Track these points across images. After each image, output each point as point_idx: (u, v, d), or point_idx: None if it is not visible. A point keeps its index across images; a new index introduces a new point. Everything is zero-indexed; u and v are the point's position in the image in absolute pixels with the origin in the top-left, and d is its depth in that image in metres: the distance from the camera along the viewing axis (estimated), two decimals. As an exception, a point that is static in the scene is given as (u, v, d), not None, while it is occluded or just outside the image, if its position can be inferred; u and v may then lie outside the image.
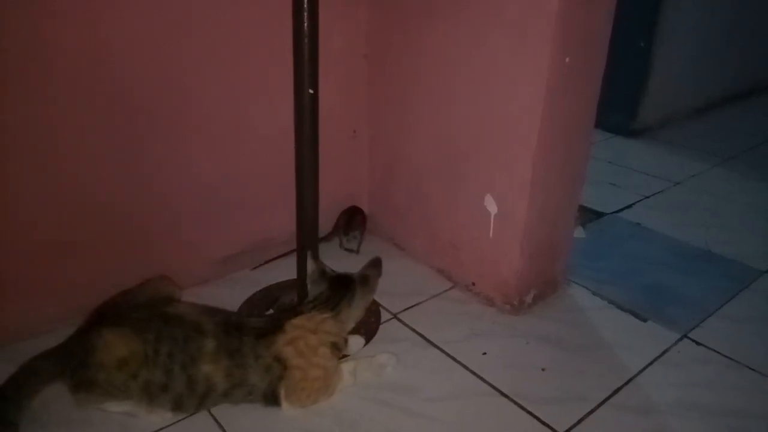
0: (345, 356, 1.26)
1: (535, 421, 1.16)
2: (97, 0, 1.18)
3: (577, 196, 1.56)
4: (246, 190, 1.55)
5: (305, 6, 1.14)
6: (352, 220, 1.70)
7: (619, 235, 1.93)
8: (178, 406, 1.08)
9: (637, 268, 1.73)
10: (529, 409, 1.18)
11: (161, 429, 1.09)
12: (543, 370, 1.29)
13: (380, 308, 1.47)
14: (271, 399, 1.12)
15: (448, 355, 1.32)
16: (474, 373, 1.27)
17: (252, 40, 1.42)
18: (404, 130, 1.64)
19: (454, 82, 1.44)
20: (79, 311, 1.14)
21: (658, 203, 2.18)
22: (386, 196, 1.78)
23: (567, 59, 1.25)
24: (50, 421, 1.09)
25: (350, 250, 1.72)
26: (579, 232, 1.87)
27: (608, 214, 2.06)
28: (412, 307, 1.49)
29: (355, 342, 1.31)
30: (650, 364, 1.33)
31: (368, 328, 1.38)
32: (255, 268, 1.61)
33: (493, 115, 1.38)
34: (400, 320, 1.44)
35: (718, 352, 1.37)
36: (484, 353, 1.33)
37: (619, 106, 2.80)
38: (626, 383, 1.27)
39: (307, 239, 1.37)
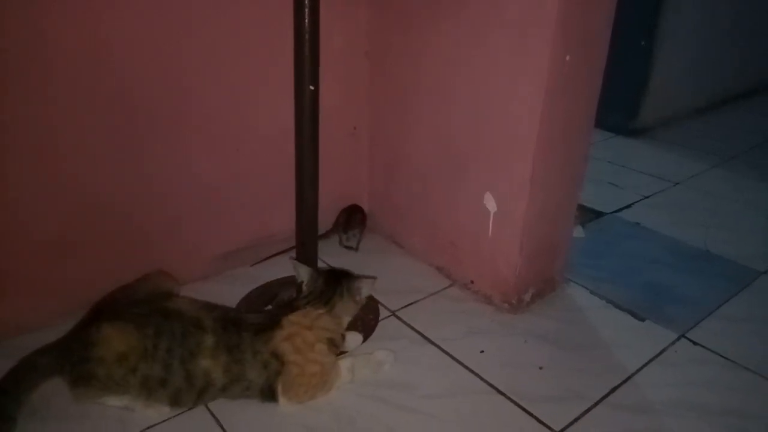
0: (343, 353, 1.26)
1: (532, 419, 1.16)
2: (97, 2, 1.18)
3: (577, 195, 1.56)
4: (246, 189, 1.55)
5: (306, 2, 1.14)
6: (351, 218, 1.71)
7: (618, 235, 1.94)
8: (176, 400, 1.09)
9: (636, 267, 1.74)
10: (526, 407, 1.19)
11: (159, 423, 1.10)
12: (540, 368, 1.30)
13: (379, 305, 1.47)
14: (269, 394, 1.12)
15: (445, 352, 1.33)
16: (471, 371, 1.28)
17: (252, 40, 1.42)
18: (404, 129, 1.64)
19: (454, 81, 1.45)
20: (79, 308, 1.14)
21: (657, 203, 2.18)
22: (386, 194, 1.78)
23: (567, 57, 1.25)
24: (48, 415, 1.09)
25: (349, 248, 1.72)
26: (578, 232, 1.87)
27: (608, 213, 2.07)
28: (410, 304, 1.49)
29: (354, 339, 1.31)
30: (647, 363, 1.33)
31: (366, 325, 1.39)
32: (254, 264, 1.61)
33: (493, 114, 1.38)
34: (398, 317, 1.44)
35: (715, 352, 1.37)
36: (482, 351, 1.34)
37: (620, 106, 2.80)
38: (623, 382, 1.27)
39: (306, 236, 1.38)
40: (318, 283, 1.21)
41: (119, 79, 1.25)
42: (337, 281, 1.21)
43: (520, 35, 1.26)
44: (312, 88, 1.20)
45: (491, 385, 1.24)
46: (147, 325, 1.06)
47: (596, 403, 1.21)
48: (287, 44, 1.19)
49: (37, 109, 1.18)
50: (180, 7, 1.29)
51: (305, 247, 1.38)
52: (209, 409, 1.14)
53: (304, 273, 1.23)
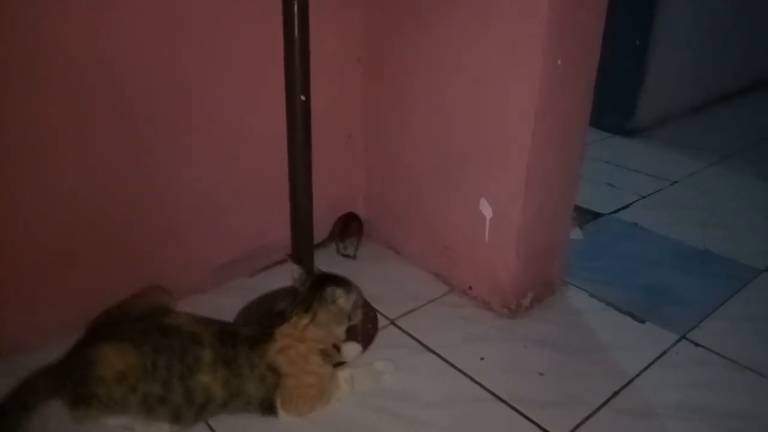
0: (342, 364, 1.26)
1: (534, 426, 1.16)
2: (97, 2, 1.18)
3: (572, 198, 1.55)
4: (243, 197, 1.55)
5: (295, 14, 1.14)
6: (348, 227, 1.70)
7: (617, 236, 1.93)
8: (176, 418, 1.08)
9: (635, 268, 1.73)
10: (527, 414, 1.18)
11: (159, 441, 1.09)
12: (541, 374, 1.29)
13: (377, 314, 1.46)
14: (268, 408, 1.12)
15: (445, 360, 1.32)
16: (472, 379, 1.27)
17: (248, 49, 1.42)
18: (399, 134, 1.64)
19: (447, 86, 1.44)
20: (77, 321, 1.13)
21: (655, 203, 2.18)
22: (382, 201, 1.78)
23: (559, 62, 1.25)
24: (48, 436, 1.08)
25: (347, 256, 1.72)
26: (576, 234, 1.87)
27: (605, 214, 2.06)
28: (409, 312, 1.49)
29: (353, 349, 1.30)
30: (649, 366, 1.32)
31: (365, 334, 1.38)
32: (253, 275, 1.61)
33: (486, 118, 1.38)
34: (397, 326, 1.44)
35: (717, 353, 1.37)
36: (482, 358, 1.33)
37: (616, 106, 2.80)
38: (625, 386, 1.26)
39: (302, 245, 1.37)
40: (303, 288, 1.20)
41: (118, 85, 1.25)
42: (320, 287, 1.18)
43: (512, 38, 1.26)
44: (303, 98, 1.20)
45: (492, 393, 1.23)
46: (145, 343, 1.05)
47: (598, 409, 1.20)
48: (281, 51, 1.18)
49: (36, 113, 1.18)
50: (178, 18, 1.29)
51: (301, 255, 1.38)
52: (210, 426, 1.13)
53: (296, 274, 1.22)
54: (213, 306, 1.41)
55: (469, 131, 1.43)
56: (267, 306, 1.47)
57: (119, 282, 1.26)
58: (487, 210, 1.43)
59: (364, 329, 1.39)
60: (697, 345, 1.40)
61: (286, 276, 1.36)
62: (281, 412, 1.12)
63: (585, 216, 2.02)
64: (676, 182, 2.35)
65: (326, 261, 1.66)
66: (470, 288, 1.55)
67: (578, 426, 1.16)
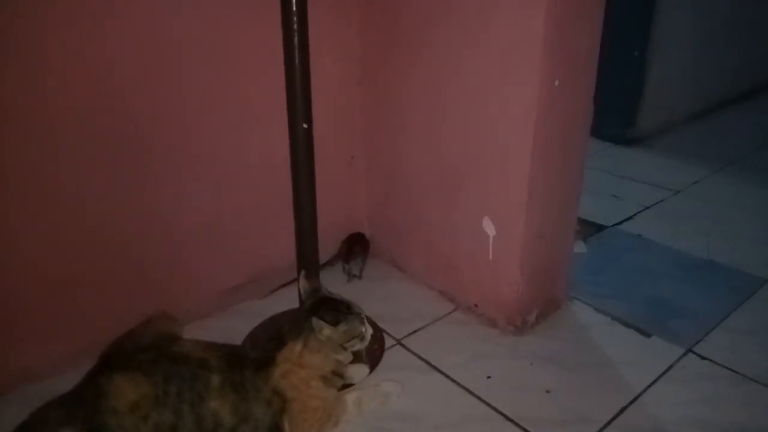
0: (349, 386, 1.27)
1: (542, 445, 1.16)
2: (97, 40, 1.21)
3: (574, 212, 1.56)
4: (247, 220, 1.57)
5: (296, 43, 1.17)
6: (352, 249, 1.71)
7: (620, 248, 1.93)
8: (186, 445, 1.09)
9: (640, 281, 1.73)
10: (535, 433, 1.19)
11: (170, 468, 1.10)
12: (547, 391, 1.30)
13: (384, 335, 1.47)
14: (277, 433, 1.13)
15: (452, 380, 1.33)
16: (479, 398, 1.28)
17: (249, 77, 1.44)
18: (400, 154, 1.66)
19: (446, 106, 1.46)
20: (88, 349, 1.15)
21: (658, 213, 2.18)
22: (386, 220, 1.79)
23: (556, 82, 1.27)
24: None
25: (354, 276, 1.73)
26: (580, 247, 1.87)
27: (609, 226, 2.07)
28: (415, 332, 1.50)
29: (360, 370, 1.32)
30: (655, 381, 1.33)
31: (372, 355, 1.39)
32: (260, 298, 1.62)
33: (486, 137, 1.40)
34: (404, 346, 1.45)
35: (723, 366, 1.37)
36: (489, 377, 1.34)
37: (616, 115, 2.81)
38: (632, 402, 1.27)
39: (308, 267, 1.39)
40: (302, 309, 1.20)
41: (123, 117, 1.28)
42: (310, 314, 1.15)
43: (509, 59, 1.28)
44: (306, 126, 1.22)
45: (499, 412, 1.24)
46: (156, 372, 1.07)
47: (605, 426, 1.20)
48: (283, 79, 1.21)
49: (41, 148, 1.20)
50: (179, 51, 1.32)
51: (307, 277, 1.38)
52: (219, 451, 1.14)
53: (302, 289, 1.23)
54: (222, 330, 1.42)
55: (468, 152, 1.45)
56: (273, 329, 1.49)
57: (127, 309, 1.27)
58: (490, 228, 1.44)
59: (371, 350, 1.40)
60: (703, 358, 1.40)
61: (293, 298, 1.38)
62: (290, 437, 1.13)
63: (589, 228, 2.03)
64: (678, 192, 2.35)
65: (333, 281, 1.67)
66: (476, 305, 1.56)
67: (586, 444, 1.16)
